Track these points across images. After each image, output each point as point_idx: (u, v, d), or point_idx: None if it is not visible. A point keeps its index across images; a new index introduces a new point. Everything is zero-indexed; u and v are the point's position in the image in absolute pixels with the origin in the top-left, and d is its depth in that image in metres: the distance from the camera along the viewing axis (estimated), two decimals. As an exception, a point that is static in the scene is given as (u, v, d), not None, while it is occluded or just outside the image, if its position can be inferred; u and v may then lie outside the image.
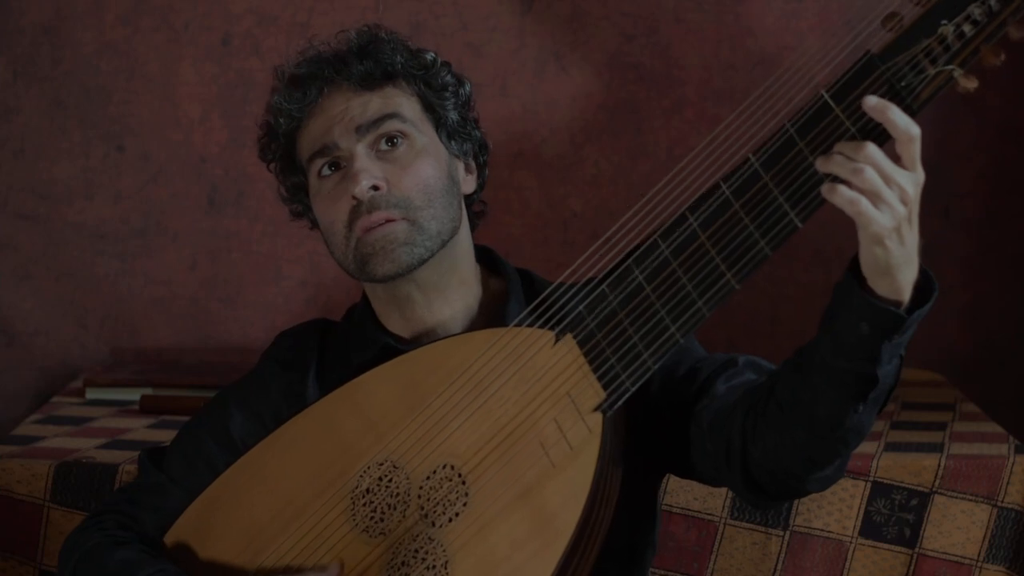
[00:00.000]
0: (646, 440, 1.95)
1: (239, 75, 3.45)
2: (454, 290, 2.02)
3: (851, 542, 2.59)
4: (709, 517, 2.59)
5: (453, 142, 2.05)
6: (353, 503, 1.91)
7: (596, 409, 1.80)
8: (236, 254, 3.49)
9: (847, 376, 1.73)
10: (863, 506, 2.58)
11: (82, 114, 3.46)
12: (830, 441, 1.78)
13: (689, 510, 2.58)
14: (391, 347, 2.01)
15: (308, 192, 2.05)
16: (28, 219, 3.48)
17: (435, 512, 1.86)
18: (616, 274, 1.80)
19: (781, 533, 2.58)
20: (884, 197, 1.64)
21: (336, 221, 1.99)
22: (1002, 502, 2.57)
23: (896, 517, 2.58)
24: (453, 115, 2.05)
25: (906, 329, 1.70)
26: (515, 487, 1.82)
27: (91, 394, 3.17)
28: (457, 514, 1.85)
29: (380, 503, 1.90)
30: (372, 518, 1.90)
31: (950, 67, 1.63)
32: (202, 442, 2.07)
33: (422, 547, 1.86)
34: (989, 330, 3.46)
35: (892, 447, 2.66)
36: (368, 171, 1.97)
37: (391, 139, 2.00)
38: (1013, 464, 2.58)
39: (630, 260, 1.78)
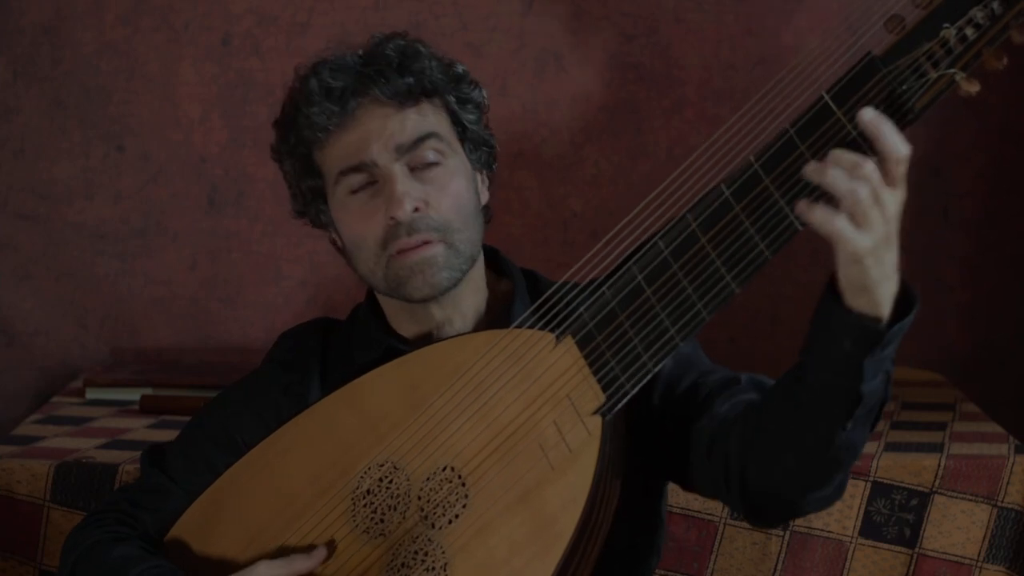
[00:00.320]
0: (647, 448, 1.95)
1: (239, 75, 3.45)
2: (467, 294, 2.02)
3: (851, 542, 2.59)
4: (709, 517, 2.59)
5: (474, 154, 2.04)
6: (354, 504, 1.91)
7: (596, 412, 1.80)
8: (236, 254, 3.49)
9: (832, 394, 1.73)
10: (863, 506, 2.58)
11: (82, 114, 3.46)
12: (822, 461, 1.77)
13: (689, 510, 2.58)
14: (396, 348, 2.01)
15: (325, 198, 2.03)
16: (28, 219, 3.48)
17: (435, 514, 1.86)
18: (617, 275, 1.79)
19: (781, 533, 2.58)
20: (870, 218, 1.64)
21: (367, 238, 1.97)
22: (1002, 502, 2.57)
23: (896, 517, 2.58)
24: (476, 128, 2.04)
25: (887, 343, 1.70)
26: (515, 489, 1.82)
27: (91, 394, 3.17)
28: (457, 516, 1.85)
29: (380, 504, 1.90)
30: (372, 519, 1.90)
31: (952, 71, 1.63)
32: (203, 443, 2.07)
33: (422, 548, 1.86)
34: (989, 330, 3.46)
35: (892, 447, 2.66)
36: (410, 194, 1.94)
37: (429, 159, 1.98)
38: (1013, 464, 2.58)
39: (631, 261, 1.78)
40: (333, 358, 2.08)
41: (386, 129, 1.96)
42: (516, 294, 2.03)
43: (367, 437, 1.92)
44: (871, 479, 2.58)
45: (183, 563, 1.98)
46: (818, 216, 1.64)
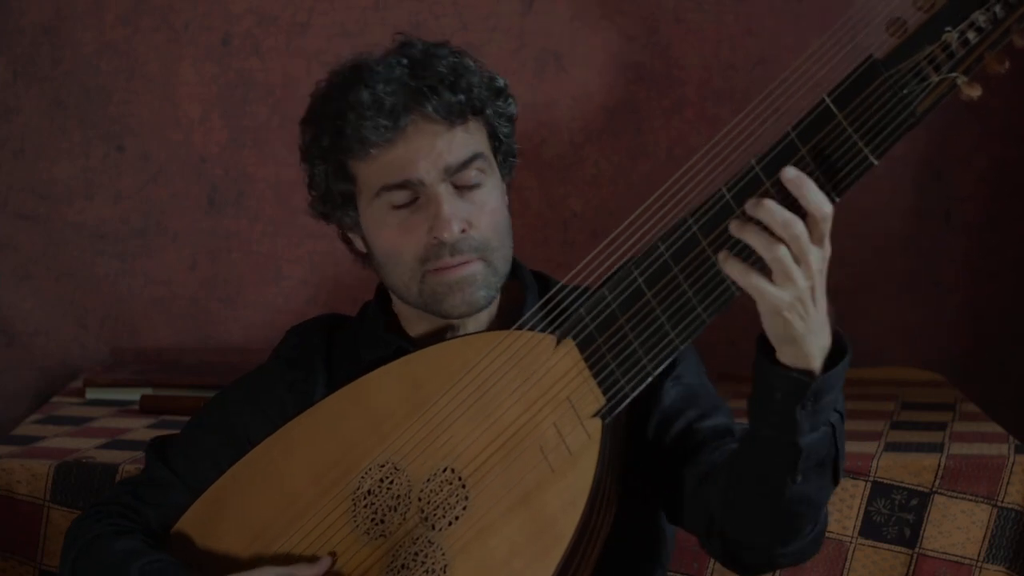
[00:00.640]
0: (641, 472, 1.94)
1: (239, 75, 3.45)
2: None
3: (851, 542, 2.59)
4: (709, 517, 2.59)
5: (503, 166, 2.03)
6: (354, 504, 1.91)
7: (596, 414, 1.80)
8: (236, 254, 3.49)
9: (772, 447, 1.73)
10: (863, 506, 2.58)
11: (82, 114, 3.46)
12: (780, 515, 1.78)
13: (689, 510, 2.58)
14: (403, 350, 2.00)
15: (355, 204, 2.01)
16: (28, 219, 3.48)
17: (435, 515, 1.86)
18: (617, 278, 1.79)
19: (781, 533, 2.58)
20: (790, 274, 1.64)
21: (405, 253, 1.96)
22: (1002, 502, 2.57)
23: (896, 517, 2.58)
24: (509, 140, 2.03)
25: (819, 395, 1.70)
26: (515, 491, 1.82)
27: (91, 394, 3.17)
28: (457, 517, 1.85)
29: (381, 505, 1.90)
30: (373, 520, 1.90)
31: (954, 74, 1.63)
32: (208, 438, 2.07)
33: (422, 550, 1.86)
34: (989, 331, 3.46)
35: (892, 447, 2.66)
36: (457, 215, 1.93)
37: (473, 180, 1.96)
38: (1013, 464, 2.57)
39: (631, 263, 1.78)
40: (339, 355, 2.07)
41: (434, 148, 1.94)
42: (527, 297, 2.02)
43: (369, 437, 1.92)
44: (871, 479, 2.58)
45: (185, 559, 1.98)
46: (733, 270, 1.67)
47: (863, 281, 3.34)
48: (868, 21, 1.68)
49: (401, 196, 1.95)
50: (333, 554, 1.91)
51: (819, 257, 1.65)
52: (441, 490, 1.87)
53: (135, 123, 3.46)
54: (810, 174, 1.66)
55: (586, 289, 1.84)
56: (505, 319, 2.00)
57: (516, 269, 2.06)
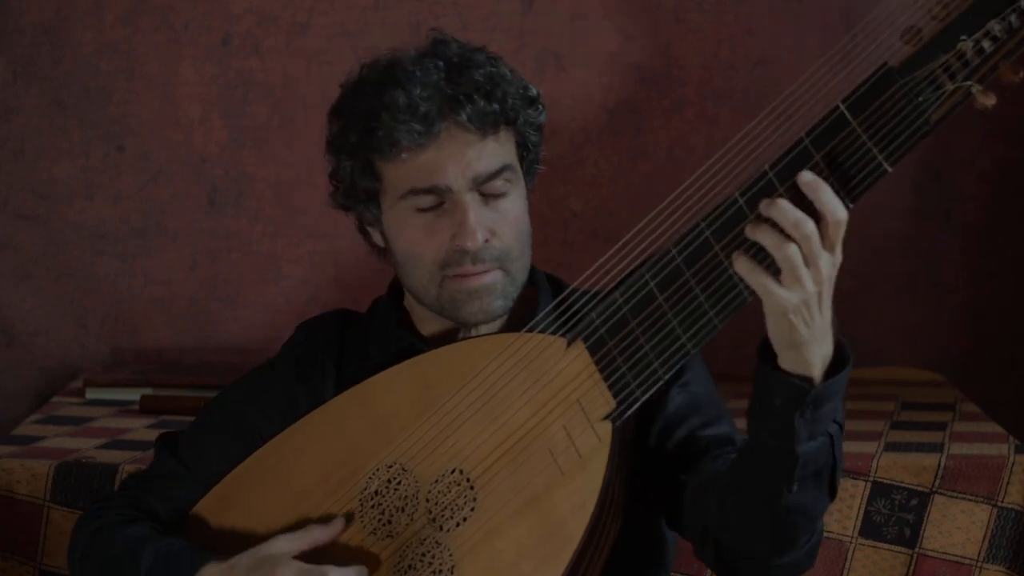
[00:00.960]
0: (643, 476, 1.94)
1: (239, 75, 3.45)
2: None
3: (851, 542, 2.59)
4: (709, 517, 2.59)
5: (528, 175, 2.03)
6: (362, 504, 1.91)
7: (606, 418, 1.80)
8: (236, 254, 3.49)
9: (769, 454, 1.73)
10: (863, 506, 2.58)
11: (82, 114, 3.46)
12: (775, 524, 1.77)
13: (689, 510, 2.58)
14: (414, 348, 2.00)
15: (378, 201, 2.00)
16: (28, 219, 3.48)
17: (443, 516, 1.86)
18: (629, 281, 1.79)
19: (781, 533, 2.57)
20: (799, 275, 1.64)
21: (426, 256, 1.95)
22: (1002, 502, 2.57)
23: (896, 517, 2.58)
24: (536, 150, 2.03)
25: (819, 403, 1.70)
26: (523, 494, 1.82)
27: (91, 394, 3.17)
28: (465, 519, 1.85)
29: (388, 505, 1.89)
30: (380, 520, 1.90)
31: (968, 83, 1.63)
32: (218, 433, 2.06)
33: (429, 551, 1.86)
34: (989, 331, 3.46)
35: (892, 447, 2.66)
36: (481, 224, 1.93)
37: (500, 190, 1.96)
38: (1013, 464, 2.58)
39: (643, 268, 1.77)
40: (350, 352, 2.07)
41: (465, 156, 1.93)
42: (540, 300, 2.02)
43: (377, 437, 1.92)
44: (871, 479, 2.58)
45: None
46: (743, 267, 1.67)
47: (863, 281, 3.34)
48: (880, 27, 1.67)
49: (427, 200, 1.95)
50: (339, 543, 1.91)
51: (829, 263, 1.66)
52: (449, 491, 1.86)
53: (135, 123, 3.46)
54: (824, 180, 1.66)
55: (598, 293, 1.84)
56: (517, 321, 1.99)
57: (530, 272, 2.05)
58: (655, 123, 3.44)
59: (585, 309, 1.83)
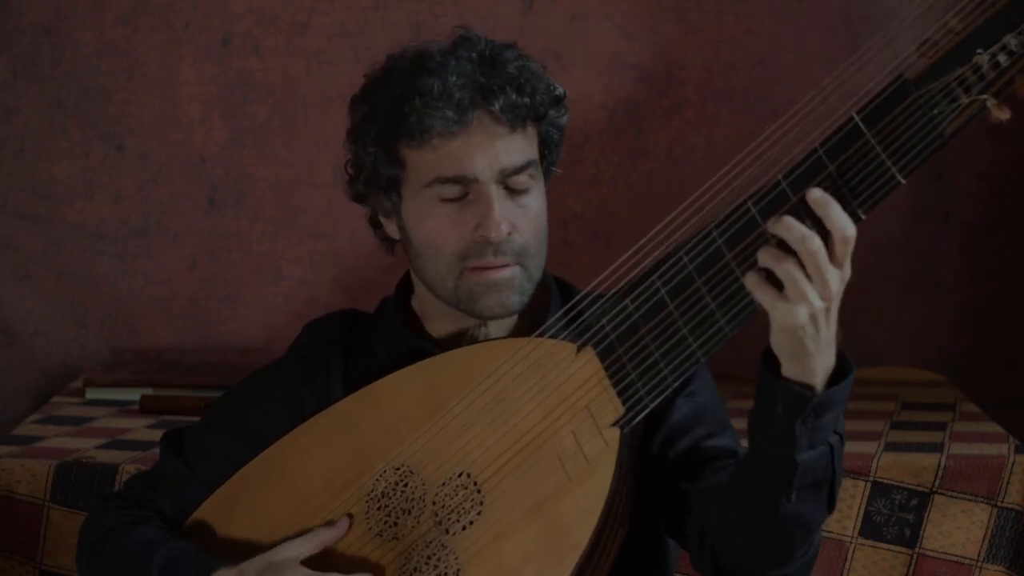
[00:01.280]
0: (647, 483, 1.94)
1: (239, 75, 3.45)
2: None
3: (851, 542, 2.59)
4: (709, 517, 2.58)
5: (547, 174, 2.03)
6: (368, 506, 1.90)
7: (614, 424, 1.80)
8: (236, 254, 3.49)
9: (770, 461, 1.73)
10: (863, 506, 2.58)
11: (82, 114, 3.46)
12: (771, 533, 1.77)
13: (689, 510, 2.58)
14: (421, 349, 2.00)
15: (399, 190, 1.99)
16: (28, 219, 3.48)
17: (449, 519, 1.86)
18: (640, 288, 1.79)
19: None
20: (802, 290, 1.64)
21: (447, 247, 1.94)
22: (1002, 502, 2.57)
23: (896, 517, 2.58)
24: (558, 150, 2.03)
25: (820, 412, 1.70)
26: (530, 498, 1.82)
27: (91, 394, 3.17)
28: (471, 522, 1.85)
29: (394, 507, 1.89)
30: (386, 522, 1.89)
31: (984, 96, 1.62)
32: (223, 431, 2.06)
33: (435, 554, 1.85)
34: (989, 331, 3.46)
35: (892, 447, 2.66)
36: (505, 216, 1.92)
37: (523, 186, 1.95)
38: (1013, 464, 2.58)
39: (654, 275, 1.77)
40: (357, 352, 2.07)
41: (493, 148, 1.93)
42: (551, 303, 2.02)
43: (384, 439, 1.91)
44: (871, 479, 2.58)
45: None
46: (749, 281, 1.67)
47: (862, 281, 3.32)
48: (897, 38, 1.67)
49: (452, 190, 1.94)
50: (344, 544, 1.91)
51: (838, 278, 1.66)
52: (456, 494, 1.86)
53: (135, 123, 3.46)
54: (837, 190, 1.65)
55: (608, 298, 1.84)
56: (527, 324, 1.99)
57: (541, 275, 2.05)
58: (655, 123, 3.44)
59: (596, 315, 1.82)
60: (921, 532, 2.58)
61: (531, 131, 1.97)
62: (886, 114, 1.65)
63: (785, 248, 1.65)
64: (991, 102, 1.63)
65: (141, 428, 2.91)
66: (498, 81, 1.93)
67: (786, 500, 1.74)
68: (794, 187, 1.67)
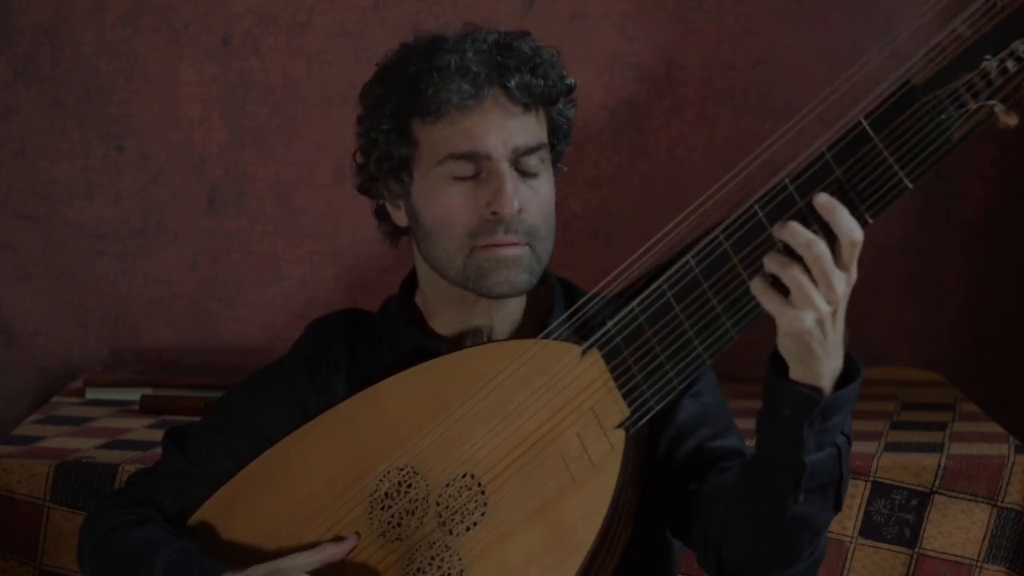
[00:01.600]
0: (653, 484, 1.94)
1: (239, 75, 3.45)
2: (515, 301, 2.01)
3: (851, 542, 2.59)
4: (709, 517, 2.59)
5: (556, 165, 2.04)
6: (371, 507, 1.90)
7: (619, 426, 1.80)
8: (236, 254, 3.49)
9: (777, 462, 1.73)
10: (863, 506, 2.58)
11: (82, 114, 3.46)
12: (778, 535, 1.77)
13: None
14: (425, 347, 2.00)
15: (411, 170, 1.99)
16: (28, 219, 3.48)
17: (453, 520, 1.86)
18: (646, 291, 1.78)
19: (781, 533, 2.57)
20: (810, 296, 1.64)
21: (457, 225, 1.94)
22: (1002, 502, 2.57)
23: (896, 517, 2.58)
24: (565, 141, 2.03)
25: (828, 414, 1.70)
26: (534, 500, 1.82)
27: (91, 394, 3.17)
28: (475, 523, 1.85)
29: (398, 508, 1.89)
30: (390, 523, 1.89)
31: (992, 102, 1.62)
32: (226, 430, 2.06)
33: (438, 555, 1.85)
34: (989, 331, 3.46)
35: (892, 447, 2.66)
36: (517, 194, 1.93)
37: (533, 168, 1.96)
38: (1013, 464, 2.58)
39: (661, 278, 1.77)
40: (362, 353, 2.06)
41: (507, 126, 1.94)
42: (554, 303, 2.02)
43: (388, 440, 1.91)
44: (871, 479, 2.58)
45: None
46: (755, 287, 1.68)
47: (863, 282, 3.31)
48: (905, 45, 1.67)
49: (465, 167, 1.94)
50: (357, 534, 1.91)
51: (844, 282, 1.66)
52: (460, 495, 1.86)
53: (135, 123, 3.46)
54: (844, 194, 1.65)
55: (613, 300, 1.84)
56: (532, 324, 1.99)
57: (545, 275, 2.05)
58: (655, 123, 3.44)
59: (601, 317, 1.82)
60: (921, 532, 2.58)
61: (542, 116, 1.98)
62: (894, 119, 1.65)
63: (791, 253, 1.65)
64: (999, 108, 1.62)
65: (141, 428, 2.91)
66: (514, 61, 1.95)
67: (793, 502, 1.74)
68: (801, 191, 1.67)
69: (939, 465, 2.58)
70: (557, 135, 2.01)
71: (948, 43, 1.64)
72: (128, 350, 3.49)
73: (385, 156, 1.99)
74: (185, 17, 3.44)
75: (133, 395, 3.10)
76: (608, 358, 1.81)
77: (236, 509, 1.99)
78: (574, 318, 1.87)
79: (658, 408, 1.78)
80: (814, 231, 1.65)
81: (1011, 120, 1.63)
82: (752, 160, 1.73)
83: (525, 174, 1.95)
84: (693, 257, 1.74)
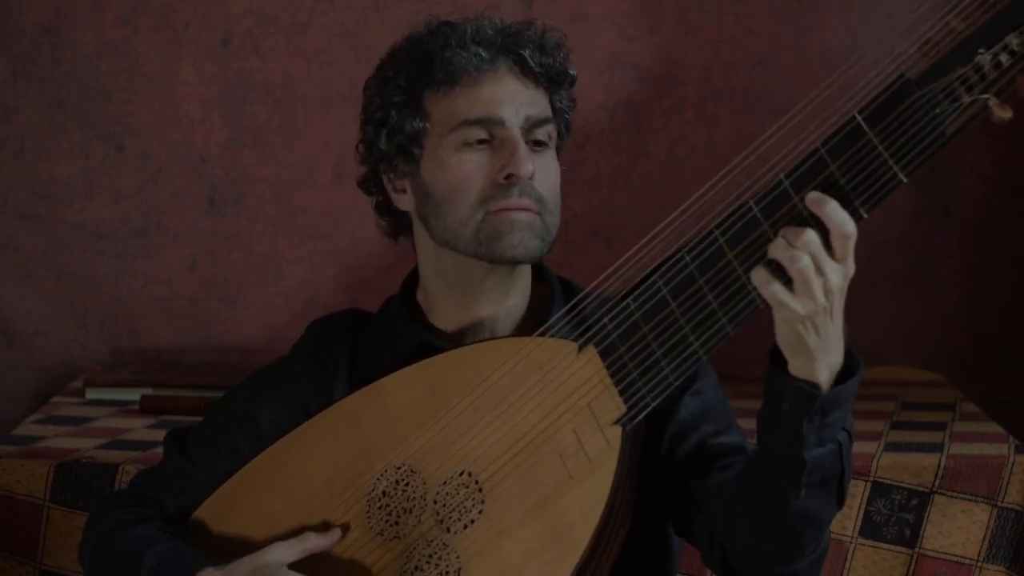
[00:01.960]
0: (652, 484, 1.94)
1: (239, 75, 3.45)
2: (518, 290, 2.01)
3: (851, 542, 2.59)
4: (709, 517, 2.59)
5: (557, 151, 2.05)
6: (369, 505, 1.91)
7: (616, 422, 1.80)
8: (236, 254, 3.49)
9: (778, 459, 1.74)
10: (863, 506, 2.58)
11: (82, 114, 3.46)
12: (781, 530, 1.78)
13: (689, 510, 2.58)
14: (427, 344, 2.00)
15: (421, 144, 1.99)
16: (28, 219, 3.48)
17: (450, 518, 1.86)
18: (641, 288, 1.79)
19: (781, 533, 2.58)
20: (810, 286, 1.65)
21: (470, 190, 1.94)
22: (1002, 502, 2.57)
23: (896, 517, 2.58)
24: (565, 136, 2.05)
25: (828, 410, 1.71)
26: (532, 497, 1.82)
27: (91, 394, 3.17)
28: (472, 521, 1.85)
29: (396, 506, 1.89)
30: (387, 521, 1.90)
31: (985, 96, 1.63)
32: (228, 430, 2.06)
33: (436, 552, 1.86)
34: (989, 330, 3.46)
35: (892, 447, 2.66)
36: (530, 159, 1.95)
37: (542, 142, 1.97)
38: (1013, 464, 2.58)
39: (656, 274, 1.78)
40: (363, 352, 2.07)
41: (519, 97, 1.96)
42: (554, 301, 2.02)
43: (386, 438, 1.92)
44: (871, 479, 2.58)
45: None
46: (758, 278, 1.68)
47: (861, 278, 3.32)
48: (898, 40, 1.67)
49: (478, 132, 1.95)
50: (345, 542, 1.91)
51: (840, 274, 1.67)
52: (457, 493, 1.86)
53: (135, 123, 3.46)
54: (839, 189, 1.66)
55: (610, 297, 1.84)
56: (531, 322, 1.99)
57: (544, 273, 2.05)
58: (655, 123, 3.44)
59: (598, 314, 1.83)
60: (921, 532, 2.58)
61: (548, 94, 2.00)
62: (888, 113, 1.65)
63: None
64: (993, 101, 1.63)
65: (141, 428, 2.91)
66: (524, 38, 1.99)
67: (795, 497, 1.74)
68: (796, 186, 1.68)
69: (939, 465, 2.58)
70: (558, 125, 2.02)
71: (941, 37, 1.64)
72: (128, 350, 3.49)
73: (396, 130, 1.99)
74: (185, 17, 3.44)
75: (133, 395, 3.10)
76: (604, 355, 1.81)
77: (235, 508, 1.99)
78: (572, 315, 1.87)
79: (654, 404, 1.78)
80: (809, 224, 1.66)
81: (1005, 114, 1.64)
82: (743, 160, 1.74)
83: (536, 144, 1.97)
84: (688, 253, 1.75)
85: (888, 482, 2.58)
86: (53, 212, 3.47)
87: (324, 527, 1.92)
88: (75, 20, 3.44)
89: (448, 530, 1.86)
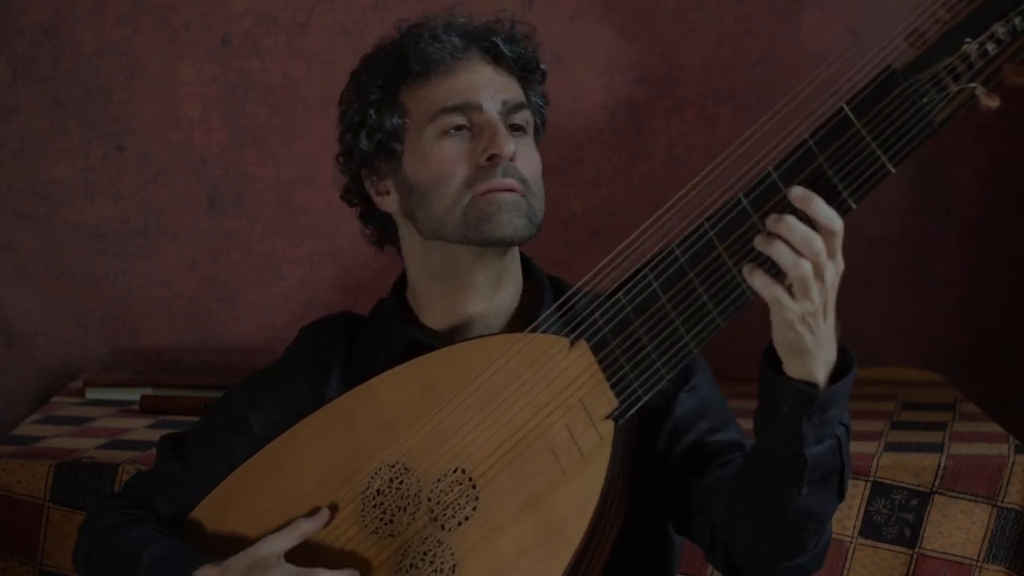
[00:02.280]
0: (649, 482, 1.94)
1: (239, 75, 3.45)
2: (507, 285, 2.02)
3: (851, 542, 2.59)
4: (709, 517, 2.59)
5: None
6: (363, 504, 1.91)
7: (608, 417, 1.80)
8: (236, 254, 3.49)
9: (778, 458, 1.74)
10: (863, 506, 2.58)
11: (82, 114, 3.46)
12: (783, 528, 1.78)
13: (689, 510, 2.58)
14: (419, 342, 2.00)
15: (402, 140, 2.00)
16: (28, 219, 3.48)
17: (444, 515, 1.86)
18: (632, 282, 1.79)
19: (781, 533, 2.57)
20: (809, 289, 1.66)
21: (453, 176, 1.95)
22: (1002, 502, 2.57)
23: (896, 517, 2.58)
24: (541, 134, 2.06)
25: (826, 407, 1.71)
26: (525, 493, 1.82)
27: (91, 394, 3.17)
28: (467, 518, 1.85)
29: (390, 505, 1.90)
30: (382, 519, 1.90)
31: (972, 85, 1.63)
32: (222, 433, 2.07)
33: (431, 550, 1.86)
34: (988, 329, 3.46)
35: (892, 447, 2.66)
36: (511, 140, 1.96)
37: (519, 126, 1.99)
38: (1013, 464, 2.58)
39: (646, 268, 1.78)
40: (357, 354, 2.07)
41: (494, 83, 1.99)
42: (544, 299, 2.02)
43: (379, 437, 1.92)
44: (871, 479, 2.58)
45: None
46: (759, 282, 1.68)
47: (859, 277, 3.33)
48: (885, 30, 1.67)
49: (457, 119, 1.97)
50: (340, 541, 1.91)
51: (833, 272, 1.67)
52: (451, 490, 1.87)
53: (135, 123, 3.46)
54: (827, 181, 1.66)
55: (600, 294, 1.84)
56: (523, 318, 2.00)
57: (533, 271, 2.06)
58: (655, 123, 3.44)
59: (589, 308, 1.83)
60: (921, 532, 2.58)
61: (521, 84, 2.02)
62: (875, 104, 1.66)
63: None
64: (980, 90, 1.64)
65: (141, 428, 2.91)
66: (494, 28, 2.01)
67: (797, 495, 1.74)
68: (784, 178, 1.68)
69: (939, 465, 2.58)
70: (534, 117, 2.03)
71: (928, 27, 1.65)
72: (128, 350, 3.49)
73: (376, 128, 2.01)
74: (185, 17, 3.44)
75: (133, 395, 3.10)
76: (596, 349, 1.81)
77: (230, 508, 1.99)
78: (563, 311, 1.87)
79: (646, 398, 1.78)
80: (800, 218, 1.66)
81: (992, 102, 1.64)
82: (727, 156, 1.74)
83: (514, 128, 1.98)
84: (678, 246, 1.75)
85: (888, 482, 2.58)
86: (53, 212, 3.47)
87: (317, 532, 1.92)
88: (75, 20, 3.44)
89: (442, 527, 1.86)
